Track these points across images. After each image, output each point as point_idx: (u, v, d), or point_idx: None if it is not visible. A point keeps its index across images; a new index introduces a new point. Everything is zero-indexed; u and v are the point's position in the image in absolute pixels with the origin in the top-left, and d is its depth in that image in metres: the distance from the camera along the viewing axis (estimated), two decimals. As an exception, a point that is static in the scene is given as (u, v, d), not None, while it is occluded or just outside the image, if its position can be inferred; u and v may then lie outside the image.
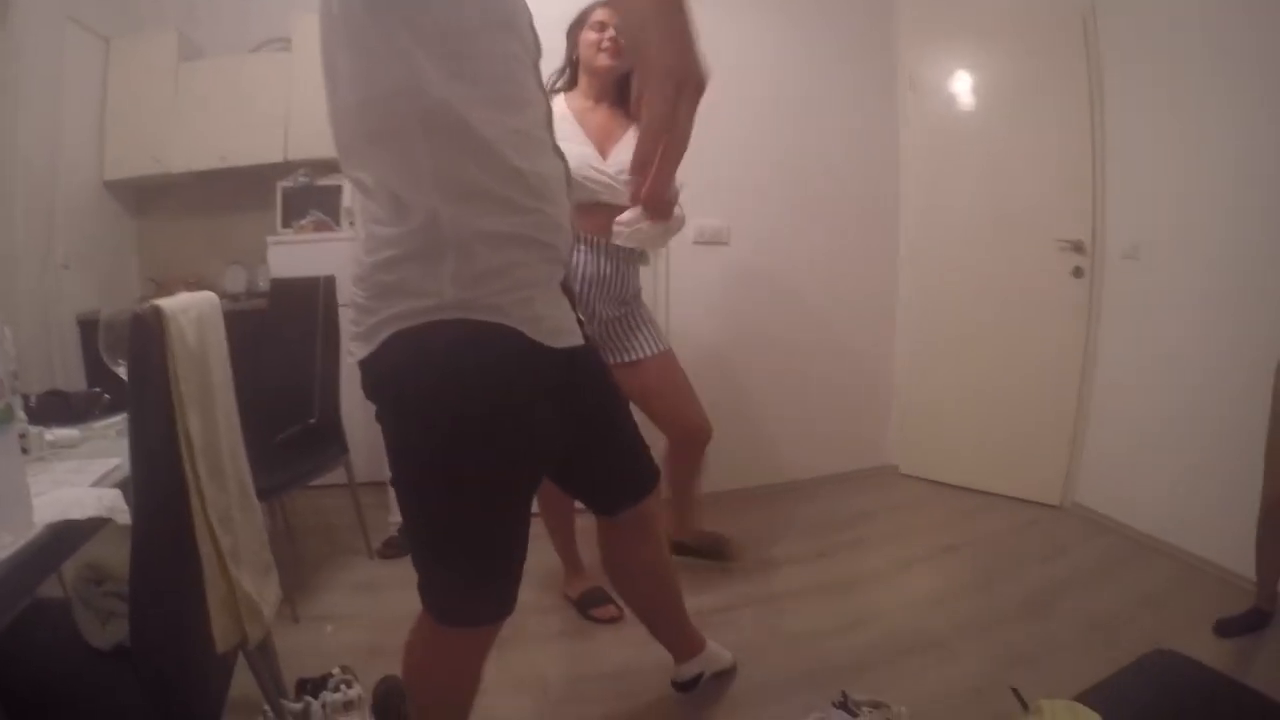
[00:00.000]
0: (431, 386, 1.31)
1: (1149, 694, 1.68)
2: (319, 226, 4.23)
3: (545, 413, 1.42)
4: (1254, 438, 2.65)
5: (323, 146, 4.11)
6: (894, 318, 4.47)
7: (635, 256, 2.70)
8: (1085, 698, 1.60)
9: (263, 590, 1.64)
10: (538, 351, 1.36)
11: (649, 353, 2.71)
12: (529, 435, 1.40)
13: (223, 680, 1.66)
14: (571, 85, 2.68)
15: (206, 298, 1.65)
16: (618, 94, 2.62)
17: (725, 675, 2.39)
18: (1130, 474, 3.59)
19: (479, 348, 1.30)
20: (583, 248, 2.52)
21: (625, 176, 2.42)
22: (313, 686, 2.21)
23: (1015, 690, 1.63)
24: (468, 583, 1.49)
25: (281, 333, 3.20)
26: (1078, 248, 3.69)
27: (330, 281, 3.18)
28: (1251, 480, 2.65)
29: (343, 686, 2.21)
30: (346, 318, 3.39)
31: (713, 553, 3.14)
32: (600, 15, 2.55)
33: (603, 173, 2.48)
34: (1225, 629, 2.69)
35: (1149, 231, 3.47)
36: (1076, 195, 3.69)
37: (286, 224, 4.32)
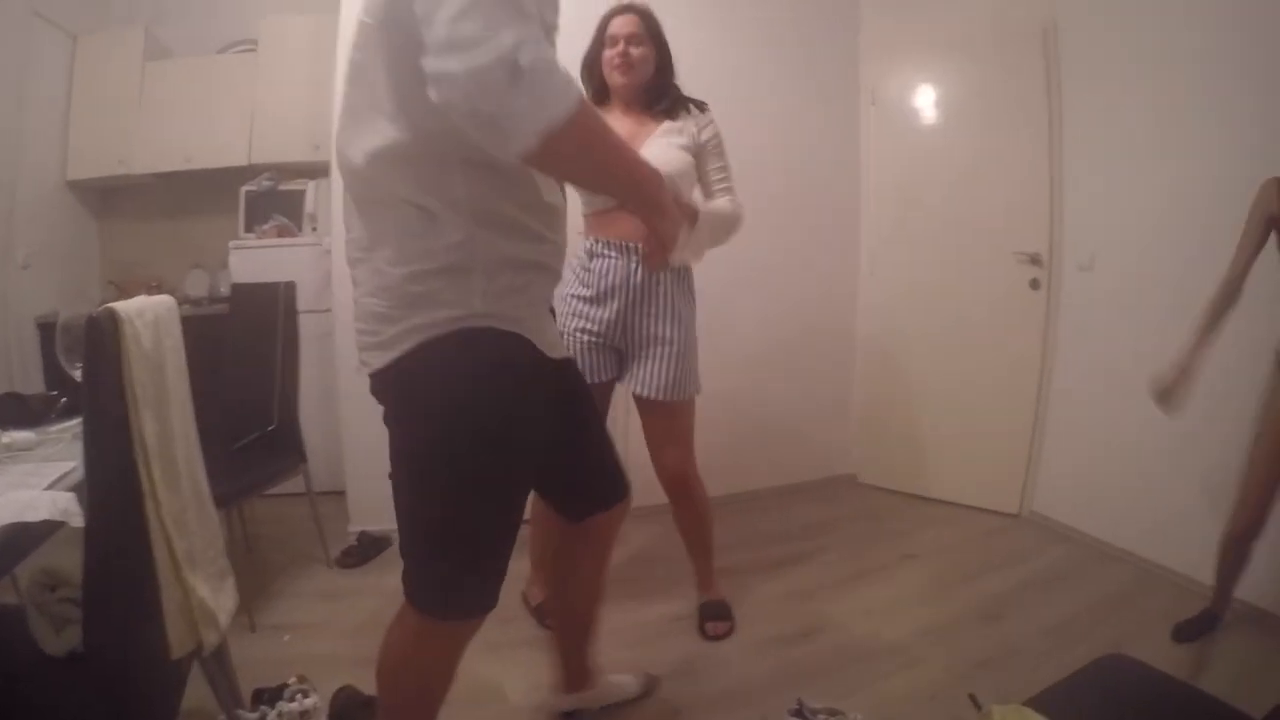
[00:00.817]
0: (460, 389, 1.39)
1: (1099, 698, 1.71)
2: (282, 231, 4.19)
3: (548, 418, 1.53)
4: (1207, 445, 2.72)
5: (287, 150, 4.18)
6: (854, 329, 4.52)
7: (686, 269, 2.60)
8: (1036, 702, 1.63)
9: (218, 597, 1.63)
10: (544, 361, 1.48)
11: (643, 393, 2.59)
12: (538, 438, 1.52)
13: (177, 688, 1.64)
14: (601, 102, 2.63)
15: (163, 301, 1.64)
16: (645, 101, 2.60)
17: (638, 699, 2.36)
18: (1087, 482, 3.66)
19: (503, 354, 1.40)
20: (612, 254, 2.52)
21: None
22: (269, 696, 2.20)
23: (972, 696, 1.65)
24: (468, 576, 1.54)
25: (241, 339, 3.17)
26: (1035, 260, 3.77)
27: (291, 287, 3.15)
28: (1205, 487, 2.72)
29: (299, 696, 2.20)
30: (309, 324, 3.42)
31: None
32: (613, 29, 2.53)
33: None
34: (1182, 634, 2.75)
35: (1104, 243, 3.55)
36: (1034, 208, 3.77)
37: (249, 228, 4.27)
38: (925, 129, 4.18)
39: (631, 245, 2.47)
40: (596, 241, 2.56)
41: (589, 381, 2.38)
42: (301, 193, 4.30)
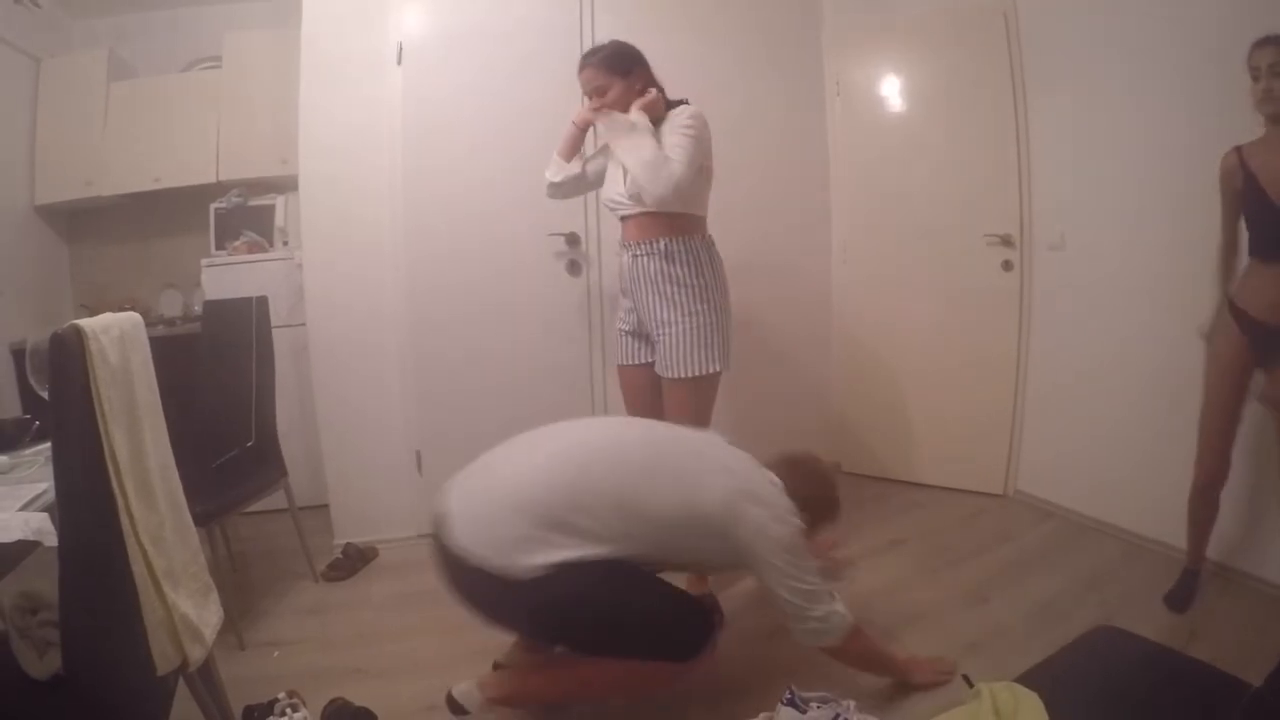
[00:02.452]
0: None
1: (1089, 669, 1.72)
2: (252, 247, 4.17)
3: None
4: (1185, 415, 2.75)
5: (255, 166, 4.19)
6: (829, 318, 4.52)
7: (662, 261, 2.74)
8: (1027, 678, 1.64)
9: (202, 612, 1.62)
10: None
11: (661, 373, 2.80)
12: None
13: (163, 706, 1.62)
14: None
15: (129, 317, 1.62)
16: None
17: None
18: (1070, 459, 3.69)
19: None
20: (627, 254, 2.81)
21: (634, 192, 2.72)
22: (259, 713, 2.18)
23: (965, 676, 1.66)
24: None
25: (216, 355, 3.14)
26: (1006, 241, 3.79)
27: (263, 302, 3.13)
28: (1183, 456, 2.75)
29: (289, 711, 2.18)
30: (284, 338, 3.41)
31: None
32: (581, 84, 2.86)
33: (621, 194, 2.78)
34: (1176, 602, 2.78)
35: (1073, 222, 3.58)
36: (1003, 190, 3.79)
37: (220, 245, 4.24)
38: (892, 116, 4.20)
39: (631, 244, 2.78)
40: (619, 244, 2.89)
41: (625, 362, 2.94)
42: (271, 207, 4.29)
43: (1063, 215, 3.63)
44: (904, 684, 2.31)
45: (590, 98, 2.81)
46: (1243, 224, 2.55)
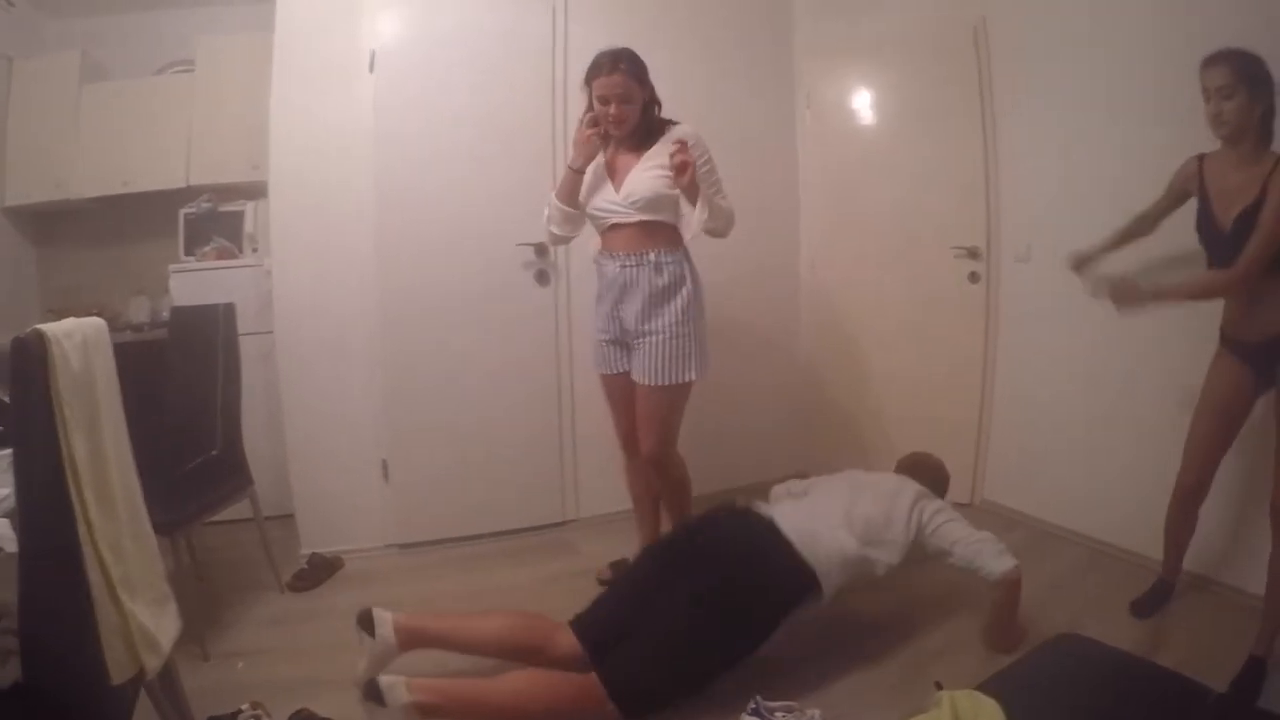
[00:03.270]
0: None
1: (1052, 675, 1.74)
2: (221, 254, 4.13)
3: None
4: (1147, 424, 2.79)
5: (225, 171, 4.14)
6: (799, 328, 4.56)
7: (653, 270, 2.83)
8: (991, 684, 1.66)
9: (160, 621, 1.60)
10: None
11: (638, 380, 2.91)
12: None
13: (123, 716, 1.60)
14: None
15: (92, 323, 1.61)
16: (636, 137, 2.86)
17: None
18: (1036, 468, 3.75)
19: None
20: (608, 259, 2.87)
21: (631, 199, 2.77)
22: (223, 724, 2.15)
23: (938, 684, 1.67)
24: None
25: (182, 363, 3.11)
26: (973, 254, 3.84)
27: (230, 309, 3.09)
28: (1148, 464, 2.79)
29: (252, 721, 2.16)
30: (251, 345, 3.38)
31: None
32: (598, 89, 2.77)
33: (615, 202, 2.82)
34: (1140, 609, 2.83)
35: (1039, 234, 3.64)
36: (971, 203, 3.84)
37: (189, 251, 4.20)
38: (861, 129, 4.25)
39: (619, 254, 2.83)
40: (599, 252, 2.93)
41: (608, 371, 3.01)
42: (241, 214, 4.25)
43: (1029, 228, 3.68)
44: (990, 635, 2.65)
45: (613, 105, 2.74)
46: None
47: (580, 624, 2.39)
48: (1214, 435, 2.63)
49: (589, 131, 2.79)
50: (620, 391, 3.01)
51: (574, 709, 2.15)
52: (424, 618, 2.43)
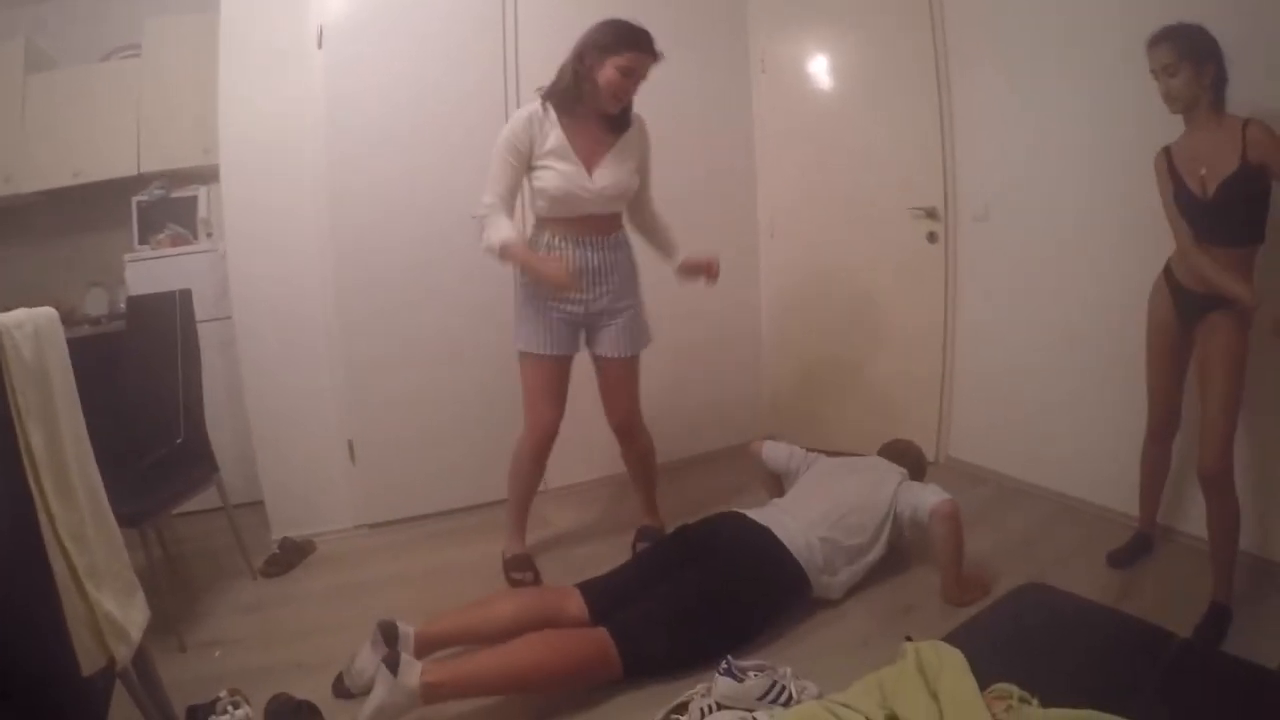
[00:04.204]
0: None
1: (1015, 625, 1.77)
2: (176, 240, 4.06)
3: None
4: (1110, 378, 2.84)
5: (177, 156, 4.07)
6: (759, 295, 4.58)
7: (622, 251, 2.98)
8: (956, 635, 1.68)
9: (127, 611, 1.59)
10: None
11: (611, 354, 2.99)
12: None
13: (100, 709, 1.59)
14: (565, 105, 2.78)
15: (44, 313, 1.58)
16: (607, 119, 2.82)
17: None
18: (1000, 424, 3.81)
19: None
20: (575, 247, 2.85)
21: (610, 192, 2.81)
22: (202, 713, 2.15)
23: (909, 638, 1.69)
24: None
25: (141, 353, 3.06)
26: (931, 214, 3.87)
27: (187, 295, 3.05)
28: (1112, 418, 2.85)
29: (230, 709, 2.15)
30: (210, 332, 3.34)
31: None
32: (632, 62, 2.68)
33: (589, 189, 2.78)
34: (1117, 560, 2.90)
35: (997, 193, 3.67)
36: (927, 164, 3.86)
37: (143, 240, 4.13)
38: (817, 92, 4.25)
39: (589, 238, 2.85)
40: (554, 236, 2.87)
41: (554, 352, 2.91)
42: (194, 199, 4.18)
43: (987, 187, 3.71)
44: (944, 585, 2.72)
45: (631, 81, 2.73)
46: None
47: (589, 589, 2.48)
48: (1155, 362, 2.73)
49: (566, 280, 2.75)
50: (562, 374, 3.00)
51: (586, 663, 2.22)
52: (435, 624, 2.40)
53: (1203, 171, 2.41)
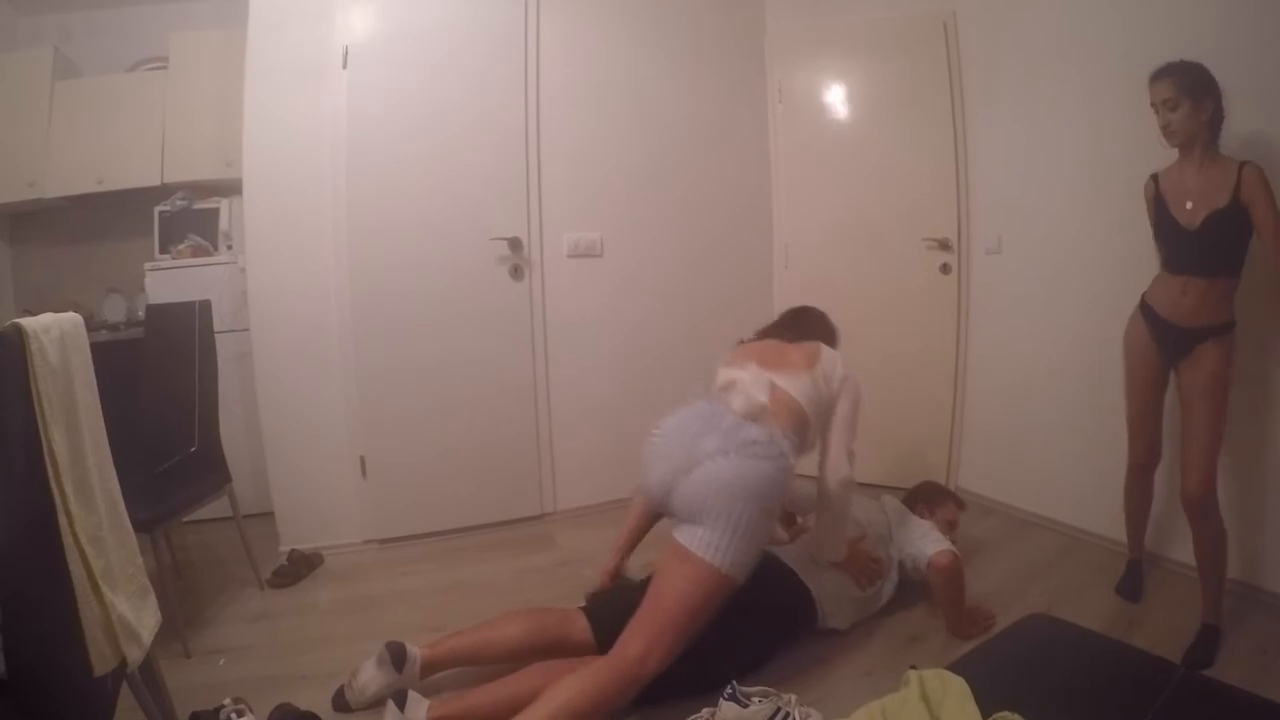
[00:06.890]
0: None
1: (1019, 654, 1.77)
2: (196, 251, 4.11)
3: None
4: (1119, 412, 2.84)
5: (200, 168, 4.11)
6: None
7: None
8: (960, 664, 1.69)
9: (140, 614, 1.61)
10: None
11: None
12: None
13: (106, 711, 1.61)
14: None
15: (69, 318, 1.61)
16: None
17: None
18: (1010, 456, 3.81)
19: None
20: None
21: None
22: (205, 719, 2.15)
23: (914, 668, 1.70)
24: None
25: (159, 361, 3.08)
26: (944, 245, 3.89)
27: (206, 306, 3.09)
28: (1120, 452, 2.85)
29: (234, 716, 2.16)
30: (227, 343, 3.37)
31: None
32: None
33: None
34: (1128, 592, 2.90)
35: (1009, 227, 3.70)
36: (942, 195, 3.90)
37: (164, 249, 4.19)
38: (833, 123, 4.29)
39: None
40: None
41: None
42: (215, 211, 4.23)
43: (1000, 220, 3.74)
44: (947, 622, 2.69)
45: None
46: None
47: (594, 612, 2.46)
48: (1137, 396, 2.76)
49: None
50: None
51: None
52: (442, 645, 2.39)
53: (1189, 205, 2.47)
